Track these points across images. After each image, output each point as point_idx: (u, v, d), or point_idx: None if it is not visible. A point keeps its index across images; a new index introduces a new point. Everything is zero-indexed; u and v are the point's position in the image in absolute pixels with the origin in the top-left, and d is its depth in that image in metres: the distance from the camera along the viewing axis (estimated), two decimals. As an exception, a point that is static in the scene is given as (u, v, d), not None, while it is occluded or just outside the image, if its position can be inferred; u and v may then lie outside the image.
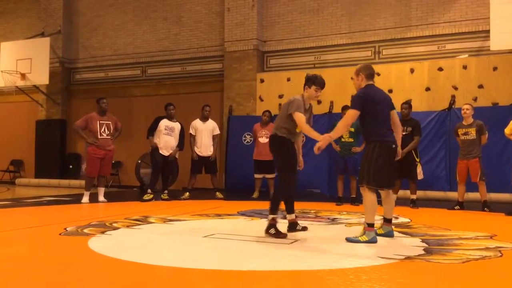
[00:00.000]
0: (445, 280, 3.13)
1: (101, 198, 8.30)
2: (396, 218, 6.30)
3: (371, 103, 4.54)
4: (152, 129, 8.78)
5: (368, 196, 4.49)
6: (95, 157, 8.15)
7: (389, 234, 4.63)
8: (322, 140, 4.54)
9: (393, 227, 4.83)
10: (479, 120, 7.51)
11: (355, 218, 6.21)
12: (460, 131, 7.56)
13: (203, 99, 11.43)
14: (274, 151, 4.90)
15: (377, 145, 4.50)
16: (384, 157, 4.50)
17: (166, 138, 8.67)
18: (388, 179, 4.59)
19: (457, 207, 7.53)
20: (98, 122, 8.25)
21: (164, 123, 8.71)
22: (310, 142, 10.04)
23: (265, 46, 11.89)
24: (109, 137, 8.33)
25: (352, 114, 4.53)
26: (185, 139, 9.02)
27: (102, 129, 8.27)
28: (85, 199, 8.11)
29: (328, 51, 11.32)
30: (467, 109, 7.49)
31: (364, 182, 4.50)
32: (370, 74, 4.69)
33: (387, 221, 4.76)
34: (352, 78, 4.81)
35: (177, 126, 8.83)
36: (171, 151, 8.73)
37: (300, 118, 4.69)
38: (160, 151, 8.64)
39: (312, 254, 3.89)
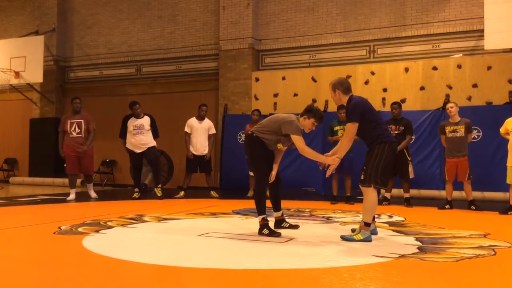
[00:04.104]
0: (439, 278, 3.15)
1: (92, 194, 8.68)
2: (391, 216, 6.34)
3: (369, 110, 4.59)
4: (123, 131, 8.72)
5: (372, 196, 4.52)
6: (71, 154, 8.53)
7: (373, 232, 4.66)
8: (331, 162, 4.62)
9: (376, 223, 4.89)
10: (466, 118, 7.51)
11: (349, 217, 6.23)
12: (448, 129, 7.52)
13: (198, 97, 11.42)
14: (247, 150, 4.92)
15: (386, 146, 4.53)
16: (390, 158, 4.57)
17: (137, 137, 8.54)
18: (387, 179, 4.66)
19: (448, 206, 7.45)
20: (68, 121, 8.60)
21: (131, 122, 8.58)
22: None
23: (260, 44, 11.89)
24: (80, 135, 8.53)
25: (352, 129, 4.52)
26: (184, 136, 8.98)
27: (72, 128, 8.56)
28: (71, 196, 8.47)
29: (323, 50, 11.32)
30: (451, 107, 7.52)
31: (371, 182, 4.48)
32: (347, 88, 4.69)
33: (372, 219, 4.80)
34: (331, 93, 4.80)
35: (145, 121, 8.61)
36: (144, 148, 8.57)
37: (300, 142, 4.65)
38: (134, 150, 8.57)
39: (307, 252, 3.90)
